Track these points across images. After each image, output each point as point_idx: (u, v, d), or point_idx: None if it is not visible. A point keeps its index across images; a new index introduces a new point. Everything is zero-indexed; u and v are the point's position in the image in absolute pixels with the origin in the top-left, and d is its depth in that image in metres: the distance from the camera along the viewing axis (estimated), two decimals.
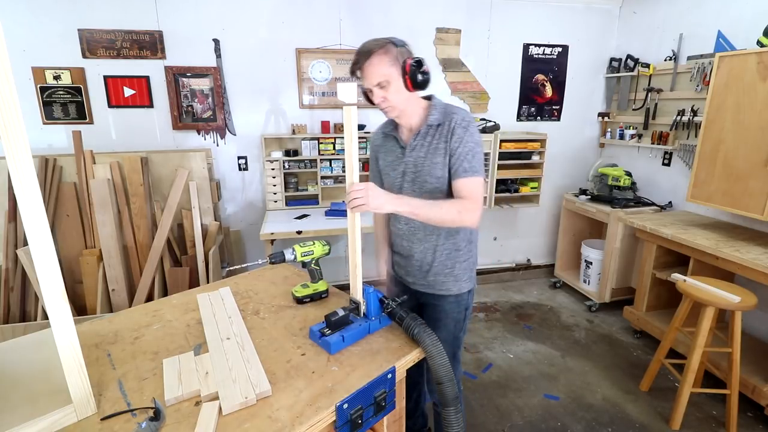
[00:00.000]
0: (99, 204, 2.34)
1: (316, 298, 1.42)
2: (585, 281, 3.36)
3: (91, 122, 2.68)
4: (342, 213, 2.78)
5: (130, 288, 2.48)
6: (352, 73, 1.30)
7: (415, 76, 1.24)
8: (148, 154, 2.55)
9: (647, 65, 3.14)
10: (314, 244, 1.41)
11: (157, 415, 0.86)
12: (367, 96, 1.33)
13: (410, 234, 1.43)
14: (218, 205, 2.90)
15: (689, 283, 2.06)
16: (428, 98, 1.40)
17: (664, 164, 3.13)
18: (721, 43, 2.65)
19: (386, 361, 1.07)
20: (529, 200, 3.48)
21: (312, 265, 1.41)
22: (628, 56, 3.31)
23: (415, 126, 1.37)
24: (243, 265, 1.73)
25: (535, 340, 2.81)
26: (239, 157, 3.02)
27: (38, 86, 2.56)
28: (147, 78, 2.71)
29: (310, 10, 2.88)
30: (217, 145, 2.95)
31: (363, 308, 1.20)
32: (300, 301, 1.39)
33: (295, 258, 1.36)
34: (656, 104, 3.11)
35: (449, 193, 1.33)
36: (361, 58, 1.25)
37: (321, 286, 1.43)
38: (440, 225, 1.31)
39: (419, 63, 1.25)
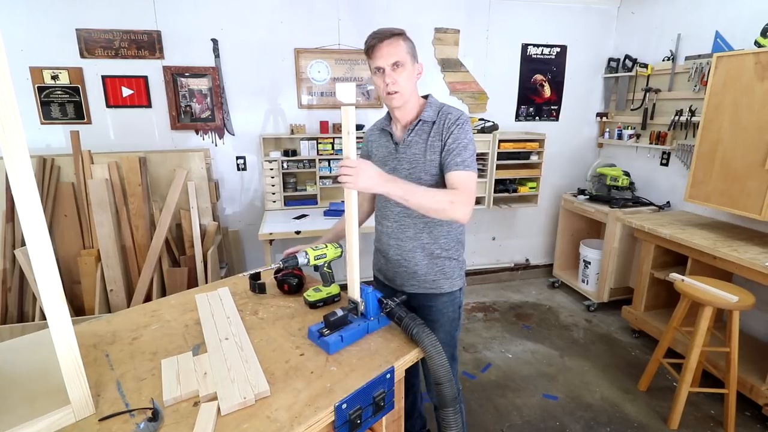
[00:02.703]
0: (97, 204, 2.33)
1: (329, 301, 1.38)
2: (583, 281, 3.37)
3: (89, 122, 2.68)
4: (341, 213, 2.77)
5: (128, 288, 2.47)
6: (367, 51, 1.31)
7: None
8: (146, 154, 2.54)
9: (645, 65, 3.15)
10: (326, 247, 1.37)
11: (155, 416, 0.86)
12: (375, 79, 1.32)
13: (399, 232, 1.42)
14: (217, 205, 2.90)
15: (687, 282, 2.07)
16: (425, 97, 1.42)
17: (662, 164, 3.14)
18: (718, 43, 2.65)
19: (385, 361, 1.07)
20: (528, 200, 3.49)
21: (324, 269, 1.38)
22: (627, 56, 3.32)
23: (409, 122, 1.38)
24: (261, 269, 1.49)
25: (534, 340, 2.81)
26: (238, 157, 3.01)
27: (36, 86, 2.55)
28: (145, 78, 2.71)
29: (309, 10, 2.87)
30: (216, 145, 2.95)
31: (361, 308, 1.20)
32: (313, 305, 1.35)
33: (308, 261, 1.33)
34: (654, 104, 3.12)
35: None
36: (381, 35, 1.27)
37: (334, 289, 1.39)
38: (430, 214, 1.22)
39: None
